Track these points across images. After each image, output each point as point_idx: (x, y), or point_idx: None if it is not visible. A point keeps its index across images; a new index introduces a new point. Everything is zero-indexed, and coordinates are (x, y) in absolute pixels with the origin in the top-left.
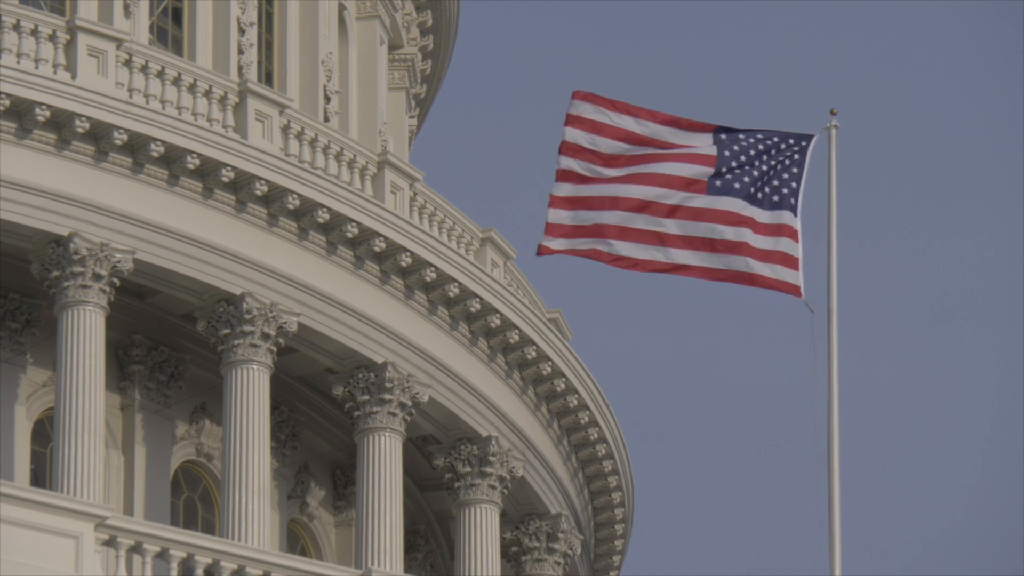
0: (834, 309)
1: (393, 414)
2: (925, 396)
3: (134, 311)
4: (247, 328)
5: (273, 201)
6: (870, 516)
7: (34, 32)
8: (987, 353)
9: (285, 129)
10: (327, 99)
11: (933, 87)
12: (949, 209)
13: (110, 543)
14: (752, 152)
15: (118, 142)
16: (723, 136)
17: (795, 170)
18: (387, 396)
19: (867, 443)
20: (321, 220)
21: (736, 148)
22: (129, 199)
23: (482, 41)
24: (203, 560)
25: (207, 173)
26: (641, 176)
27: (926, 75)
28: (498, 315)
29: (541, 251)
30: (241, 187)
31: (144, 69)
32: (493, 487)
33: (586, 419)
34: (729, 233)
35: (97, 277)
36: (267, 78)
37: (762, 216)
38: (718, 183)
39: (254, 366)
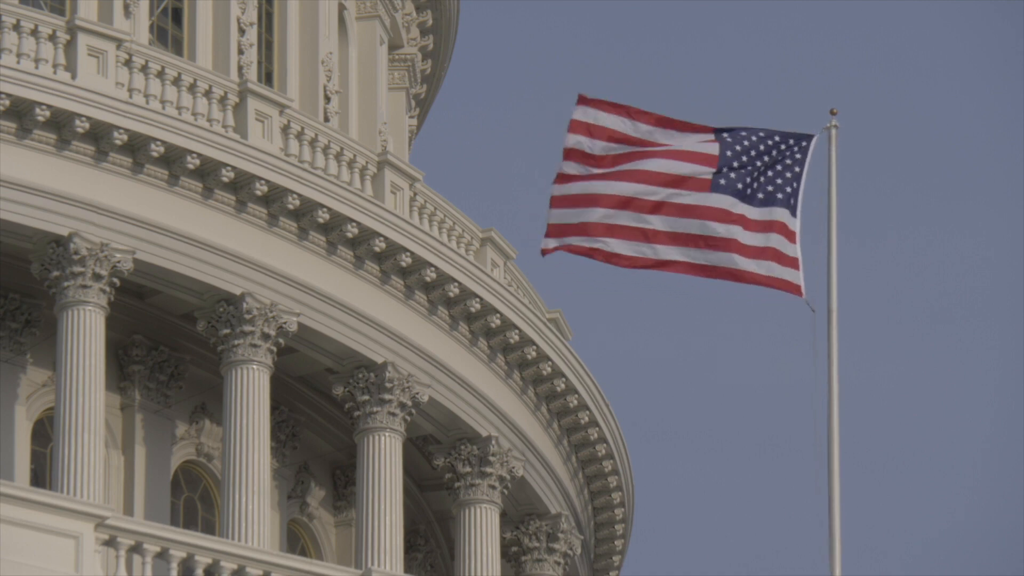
0: (834, 309)
1: (393, 414)
2: (925, 396)
3: (134, 311)
4: (247, 328)
5: (273, 201)
6: (870, 516)
7: (34, 32)
8: (987, 353)
9: (285, 129)
10: (327, 99)
11: (933, 87)
12: (949, 209)
13: (110, 543)
14: (753, 152)
15: (118, 142)
16: (726, 136)
17: (796, 170)
18: (387, 396)
19: (867, 443)
20: (321, 220)
21: (738, 148)
22: (129, 199)
23: (482, 41)
24: (203, 560)
25: (207, 173)
26: (629, 173)
27: (926, 75)
28: (498, 315)
29: (543, 252)
30: (241, 187)
31: (144, 69)
32: (493, 487)
33: (586, 419)
34: (720, 230)
35: (97, 277)
36: (267, 78)
37: (753, 213)
38: (722, 182)
39: (254, 366)
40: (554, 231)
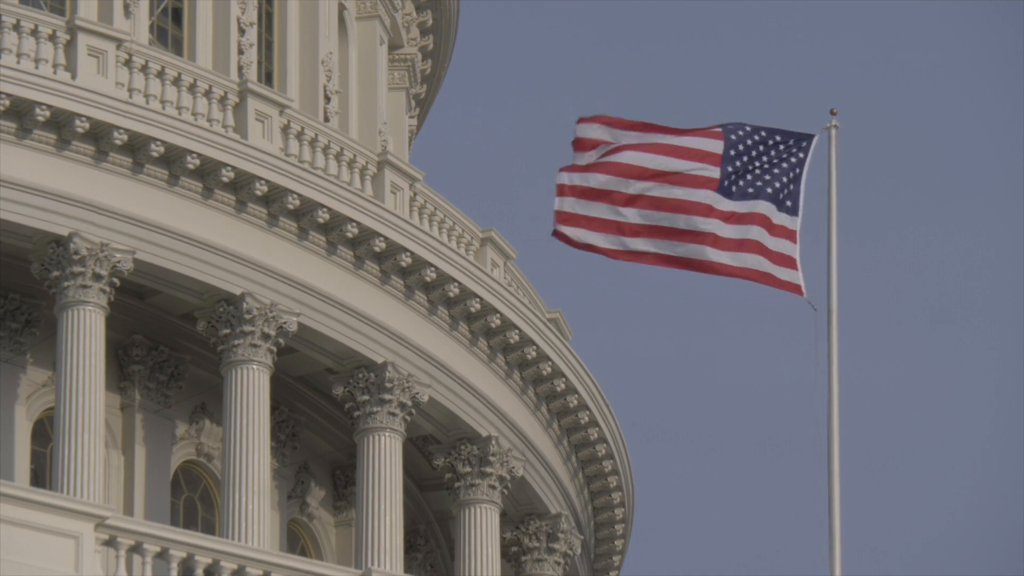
0: (834, 309)
1: (393, 414)
2: (925, 396)
3: (134, 311)
4: (247, 328)
5: (273, 201)
6: (870, 516)
7: (34, 32)
8: (987, 353)
9: (285, 129)
10: (327, 99)
11: (933, 87)
12: (949, 209)
13: (110, 543)
14: (754, 152)
15: (118, 142)
16: (731, 135)
17: (796, 171)
18: (387, 396)
19: (867, 443)
20: (321, 220)
21: (740, 147)
22: (129, 199)
23: (482, 41)
24: (203, 560)
25: (207, 173)
26: (628, 167)
27: (926, 75)
28: (498, 315)
29: (555, 234)
30: (241, 187)
31: (144, 69)
32: (493, 487)
33: (586, 419)
34: (700, 224)
35: (97, 277)
36: (267, 78)
37: (741, 207)
38: (725, 182)
39: (254, 366)
40: (563, 219)
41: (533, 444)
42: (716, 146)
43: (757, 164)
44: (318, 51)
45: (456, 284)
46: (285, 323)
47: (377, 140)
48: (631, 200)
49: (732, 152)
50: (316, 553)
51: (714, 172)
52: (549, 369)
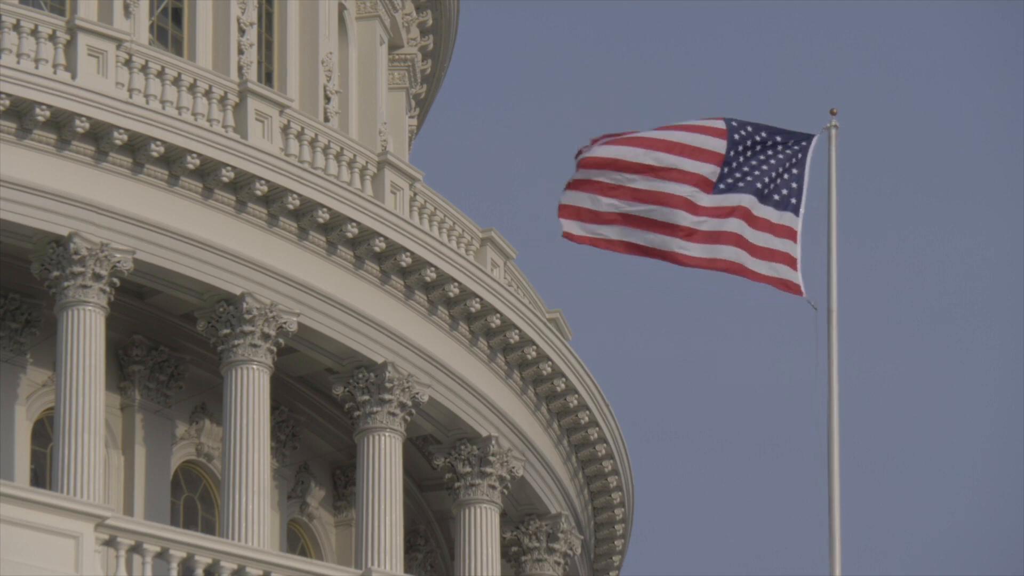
0: (834, 309)
1: (393, 414)
2: (925, 396)
3: (134, 311)
4: (247, 328)
5: (273, 201)
6: (870, 516)
7: (34, 32)
8: (987, 353)
9: (285, 129)
10: (327, 99)
11: (933, 87)
12: (949, 209)
13: (110, 543)
14: (754, 151)
15: (118, 142)
16: (734, 135)
17: (796, 171)
18: (387, 396)
19: (867, 443)
20: (321, 220)
21: (741, 147)
22: (129, 199)
23: (482, 41)
24: (203, 560)
25: (207, 173)
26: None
27: (926, 75)
28: (498, 315)
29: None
30: (241, 187)
31: (144, 69)
32: (493, 487)
33: (586, 419)
34: (681, 218)
35: (97, 277)
36: (267, 78)
37: (764, 212)
38: (722, 186)
39: (254, 366)
40: (567, 213)
41: (533, 444)
42: (719, 145)
43: (754, 163)
44: (318, 51)
45: (456, 284)
46: (285, 323)
47: (377, 140)
48: (610, 189)
49: (732, 152)
50: (316, 553)
51: (713, 172)
52: (549, 369)
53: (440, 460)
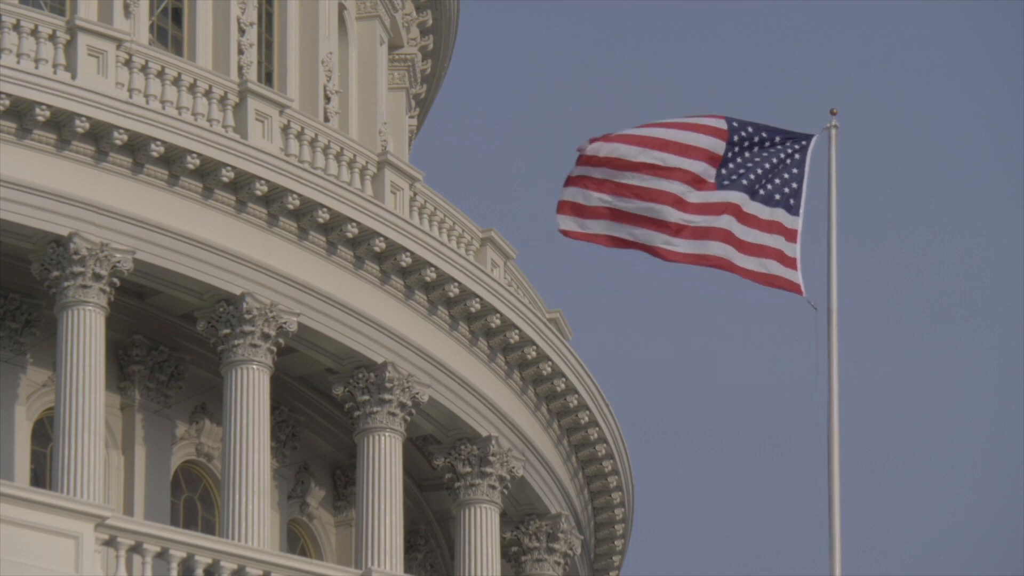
0: (834, 309)
1: (393, 414)
2: (925, 396)
3: (134, 311)
4: (247, 328)
5: (273, 201)
6: (870, 516)
7: (34, 32)
8: (987, 353)
9: (285, 129)
10: (327, 99)
11: (933, 87)
12: (949, 209)
13: (110, 543)
14: (753, 150)
15: (118, 142)
16: (733, 136)
17: (795, 170)
18: (387, 396)
19: (867, 443)
20: (321, 220)
21: (740, 147)
22: (129, 199)
23: (482, 41)
24: (203, 560)
25: (207, 173)
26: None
27: (926, 75)
28: (498, 315)
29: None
30: (241, 187)
31: (144, 69)
32: (493, 487)
33: (586, 419)
34: (671, 215)
35: (97, 277)
36: (267, 78)
37: (754, 209)
38: (722, 182)
39: (254, 366)
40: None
41: (533, 444)
42: (718, 145)
43: (752, 163)
44: (318, 51)
45: (456, 284)
46: (285, 323)
47: (377, 140)
48: (601, 185)
49: (730, 153)
50: (316, 553)
51: (707, 171)
52: (549, 369)
53: (440, 460)
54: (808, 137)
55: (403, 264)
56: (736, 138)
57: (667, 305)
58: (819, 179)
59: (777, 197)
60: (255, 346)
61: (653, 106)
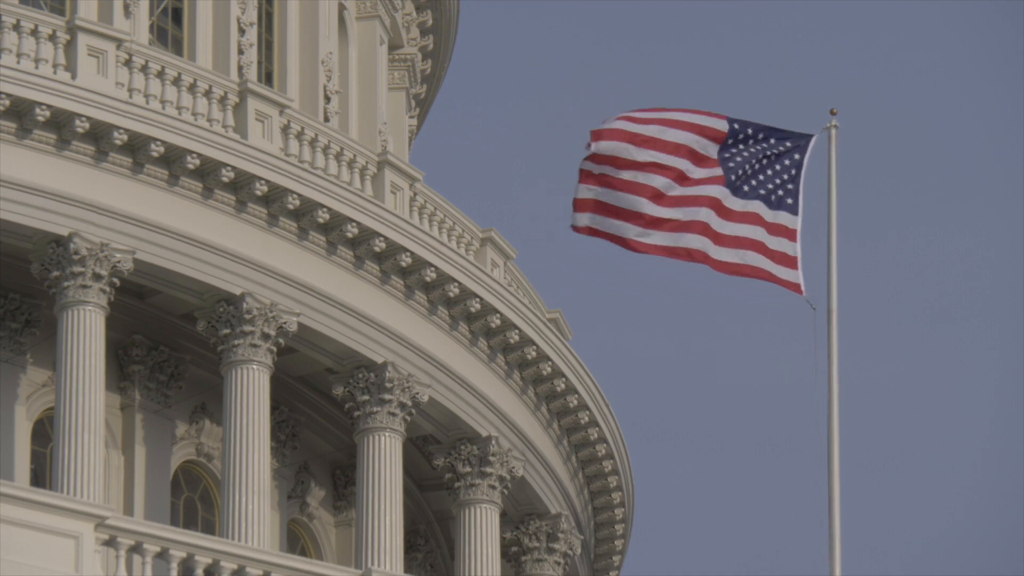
0: (834, 309)
1: (393, 414)
2: (925, 396)
3: (134, 311)
4: (247, 328)
5: (273, 201)
6: (870, 516)
7: (34, 32)
8: (987, 353)
9: (285, 129)
10: (327, 99)
11: (933, 87)
12: (949, 209)
13: (110, 543)
14: (754, 151)
15: (118, 142)
16: (729, 138)
17: (794, 171)
18: (387, 396)
19: (867, 443)
20: (321, 220)
21: (739, 147)
22: (129, 199)
23: (482, 41)
24: (203, 560)
25: (207, 173)
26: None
27: (926, 75)
28: (498, 315)
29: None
30: (241, 187)
31: (144, 69)
32: (493, 487)
33: (586, 419)
34: (718, 225)
35: (97, 277)
36: (267, 78)
37: (736, 205)
38: (746, 187)
39: (254, 366)
40: (583, 207)
41: (533, 444)
42: (711, 148)
43: (755, 164)
44: (318, 51)
45: (456, 284)
46: (285, 323)
47: (377, 140)
48: (593, 178)
49: (727, 154)
50: (316, 553)
51: (690, 168)
52: (549, 369)
53: (440, 460)
54: (808, 137)
55: (403, 264)
56: (731, 141)
57: (667, 305)
58: (819, 179)
59: (774, 197)
60: (255, 346)
61: (653, 106)
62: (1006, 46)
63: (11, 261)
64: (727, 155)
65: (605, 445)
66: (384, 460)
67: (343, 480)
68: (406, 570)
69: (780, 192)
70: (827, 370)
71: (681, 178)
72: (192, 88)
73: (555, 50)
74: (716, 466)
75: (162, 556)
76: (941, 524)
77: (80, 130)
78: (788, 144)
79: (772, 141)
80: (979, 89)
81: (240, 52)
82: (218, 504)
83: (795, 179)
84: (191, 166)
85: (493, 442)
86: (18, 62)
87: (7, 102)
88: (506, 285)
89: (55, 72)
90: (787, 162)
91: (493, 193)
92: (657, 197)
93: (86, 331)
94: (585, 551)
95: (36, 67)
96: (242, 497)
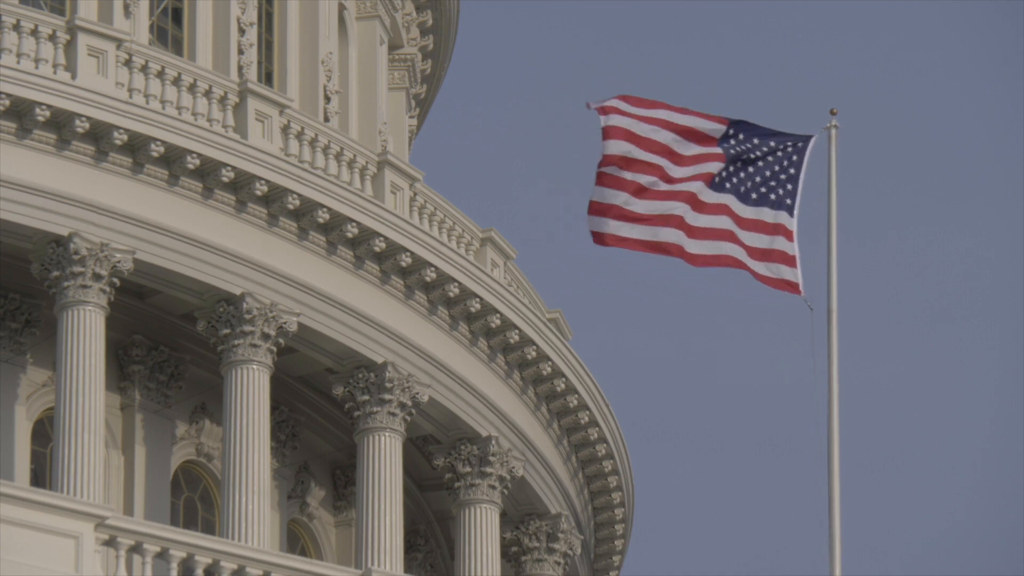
0: (834, 309)
1: (393, 414)
2: (925, 396)
3: (134, 311)
4: (247, 328)
5: (273, 201)
6: (870, 516)
7: (34, 32)
8: (987, 353)
9: (285, 129)
10: (327, 99)
11: (933, 87)
12: (949, 209)
13: (110, 543)
14: (753, 154)
15: (118, 142)
16: (731, 139)
17: (792, 171)
18: (387, 396)
19: (867, 443)
20: (321, 220)
21: (740, 149)
22: (129, 199)
23: (482, 41)
24: (203, 560)
25: (207, 173)
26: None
27: (926, 75)
28: (498, 315)
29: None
30: (241, 187)
31: (144, 69)
32: (493, 487)
33: (586, 419)
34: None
35: (97, 277)
36: (267, 78)
37: (747, 212)
38: (727, 184)
39: (254, 366)
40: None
41: (533, 444)
42: (715, 151)
43: (755, 167)
44: (318, 51)
45: (456, 284)
46: (285, 323)
47: (377, 140)
48: (598, 178)
49: (730, 154)
50: (316, 553)
51: (671, 167)
52: (549, 369)
53: (440, 460)
54: (807, 139)
55: (403, 264)
56: (729, 143)
57: (667, 305)
58: (819, 179)
59: (774, 197)
60: (255, 346)
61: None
62: (1006, 46)
63: (11, 261)
64: (726, 155)
65: (605, 445)
66: (384, 460)
67: (343, 480)
68: (406, 570)
69: (780, 192)
70: (827, 370)
71: (668, 178)
72: (192, 88)
73: (555, 50)
74: (716, 466)
75: (162, 556)
76: (941, 524)
77: (80, 130)
78: (788, 146)
79: (772, 144)
80: (979, 89)
81: (240, 52)
82: (218, 504)
83: (794, 180)
84: (191, 166)
85: (493, 442)
86: (18, 62)
87: (7, 102)
88: (506, 285)
89: (55, 72)
90: (785, 163)
91: (493, 193)
92: (641, 192)
93: (86, 331)
94: (585, 551)
95: (36, 67)
96: (242, 497)
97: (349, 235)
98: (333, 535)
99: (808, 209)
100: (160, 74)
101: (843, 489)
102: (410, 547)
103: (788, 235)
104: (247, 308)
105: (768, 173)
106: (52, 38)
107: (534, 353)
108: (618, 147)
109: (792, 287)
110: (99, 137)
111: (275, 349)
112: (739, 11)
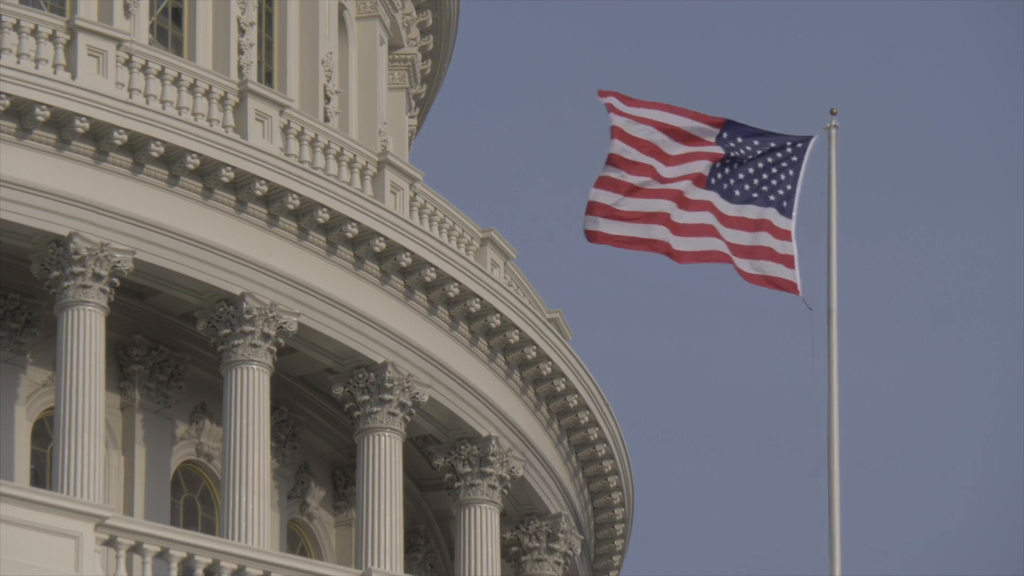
0: (834, 309)
1: (393, 414)
2: (925, 396)
3: (134, 311)
4: (247, 328)
5: (273, 201)
6: (870, 516)
7: (34, 32)
8: (987, 353)
9: (285, 129)
10: (327, 99)
11: (933, 87)
12: (949, 209)
13: (110, 543)
14: (752, 155)
15: (118, 142)
16: (729, 141)
17: (791, 172)
18: (387, 396)
19: (867, 443)
20: (321, 220)
21: (739, 151)
22: (129, 199)
23: (482, 41)
24: (203, 560)
25: (207, 173)
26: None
27: (926, 75)
28: (498, 315)
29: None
30: (241, 187)
31: (144, 69)
32: (493, 487)
33: (586, 419)
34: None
35: (97, 277)
36: (267, 78)
37: (730, 210)
38: (722, 184)
39: (254, 366)
40: (598, 211)
41: (533, 444)
42: (716, 148)
43: (753, 167)
44: (318, 51)
45: (456, 284)
46: (285, 323)
47: (377, 140)
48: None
49: (730, 155)
50: (316, 553)
51: (662, 167)
52: (549, 369)
53: (440, 460)
54: (807, 139)
55: (403, 264)
56: (733, 143)
57: (667, 305)
58: (819, 179)
59: (773, 197)
60: (255, 346)
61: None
62: (1006, 46)
63: (11, 261)
64: (725, 155)
65: (605, 445)
66: (384, 460)
67: (343, 480)
68: (406, 570)
69: (775, 192)
70: (827, 370)
71: (660, 178)
72: (192, 88)
73: (555, 50)
74: (716, 466)
75: (162, 556)
76: (941, 524)
77: (80, 130)
78: (788, 147)
79: (772, 144)
80: (979, 89)
81: (240, 52)
82: (218, 504)
83: (793, 181)
84: (191, 166)
85: (493, 442)
86: (18, 62)
87: (7, 102)
88: (506, 285)
89: (55, 72)
90: (784, 164)
91: (493, 193)
92: (631, 190)
93: (86, 331)
94: (585, 551)
95: (36, 67)
96: (242, 497)
97: (349, 235)
98: (333, 535)
99: (808, 209)
100: (160, 74)
101: (843, 489)
102: (410, 547)
103: (776, 232)
104: (247, 308)
105: (765, 174)
106: (52, 38)
107: (534, 353)
108: (615, 147)
109: (777, 283)
110: (99, 137)
111: (275, 349)
112: (739, 11)
